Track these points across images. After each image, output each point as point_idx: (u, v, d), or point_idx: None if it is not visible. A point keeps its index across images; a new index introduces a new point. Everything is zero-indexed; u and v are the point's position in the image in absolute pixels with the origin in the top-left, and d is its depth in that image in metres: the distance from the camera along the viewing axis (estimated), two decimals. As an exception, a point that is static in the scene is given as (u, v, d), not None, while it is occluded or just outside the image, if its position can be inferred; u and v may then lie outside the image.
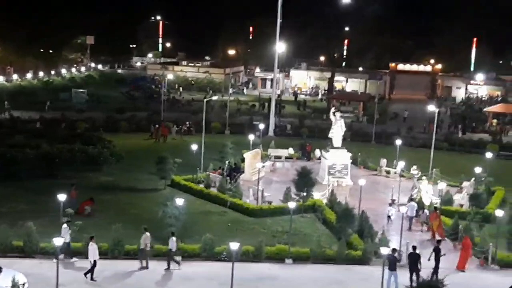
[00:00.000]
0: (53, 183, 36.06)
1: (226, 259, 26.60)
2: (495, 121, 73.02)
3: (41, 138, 45.68)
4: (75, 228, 27.57)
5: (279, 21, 61.77)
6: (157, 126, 56.59)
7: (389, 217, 34.17)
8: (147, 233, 26.32)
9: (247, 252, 27.41)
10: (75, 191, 32.94)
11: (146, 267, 26.06)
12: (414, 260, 25.33)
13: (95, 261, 24.74)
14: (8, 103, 65.09)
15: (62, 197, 26.16)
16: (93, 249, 24.94)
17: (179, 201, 27.68)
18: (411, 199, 35.55)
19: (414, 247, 25.93)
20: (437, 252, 26.62)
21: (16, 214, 31.55)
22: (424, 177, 40.45)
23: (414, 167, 42.71)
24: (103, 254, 26.33)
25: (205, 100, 46.79)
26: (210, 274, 25.96)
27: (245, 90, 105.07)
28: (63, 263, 25.25)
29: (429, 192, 38.05)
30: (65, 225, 26.70)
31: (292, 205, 28.66)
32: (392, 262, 25.10)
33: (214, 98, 65.87)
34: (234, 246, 21.41)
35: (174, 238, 26.27)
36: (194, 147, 41.26)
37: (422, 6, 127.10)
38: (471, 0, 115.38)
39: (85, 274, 24.65)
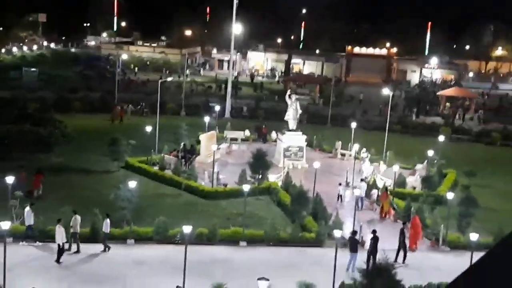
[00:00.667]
0: (2, 165, 34.90)
1: (179, 242, 26.31)
2: (448, 104, 74.21)
3: (-12, 118, 44.20)
4: (23, 210, 26.84)
5: (235, 1, 61.17)
6: (118, 107, 55.94)
7: (339, 196, 34.57)
8: (77, 216, 25.78)
9: (201, 235, 27.20)
10: (24, 172, 32.05)
11: (78, 251, 25.56)
12: (375, 244, 25.55)
13: (61, 244, 24.41)
14: None
15: (10, 179, 25.39)
16: (60, 232, 24.54)
17: (132, 184, 27.19)
18: (361, 180, 35.97)
19: (374, 231, 26.12)
20: (401, 233, 26.93)
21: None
22: (366, 159, 40.96)
23: (364, 149, 43.05)
24: (52, 238, 25.78)
25: (160, 81, 46.07)
26: (163, 257, 25.68)
27: (201, 71, 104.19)
28: (11, 246, 24.53)
29: (372, 173, 38.53)
30: (27, 208, 26.09)
31: (246, 187, 28.50)
32: (354, 244, 25.28)
33: (169, 79, 65.01)
34: (187, 229, 21.15)
35: (108, 221, 25.83)
36: (149, 128, 40.58)
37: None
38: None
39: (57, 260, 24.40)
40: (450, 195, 28.97)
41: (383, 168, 39.05)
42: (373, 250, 25.27)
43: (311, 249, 27.62)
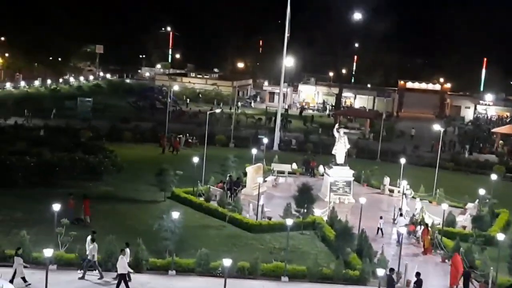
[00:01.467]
0: (52, 192, 35.61)
1: (221, 274, 26.09)
2: (501, 142, 72.31)
3: (43, 146, 45.35)
4: (69, 238, 27.23)
5: (286, 35, 61.62)
6: (178, 136, 57.22)
7: (379, 229, 34.34)
8: (95, 244, 25.83)
9: (243, 268, 26.95)
10: (72, 200, 32.57)
11: (83, 278, 25.37)
12: (419, 286, 24.82)
13: (122, 274, 24.47)
14: (28, 111, 65.38)
15: (56, 206, 25.72)
16: (123, 262, 24.68)
17: (175, 215, 27.22)
18: (400, 215, 35.47)
19: (418, 274, 25.35)
20: (466, 277, 26.18)
21: (11, 222, 31.21)
22: (405, 195, 40.14)
23: (407, 186, 42.15)
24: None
25: (208, 112, 46.52)
26: (204, 290, 25.51)
27: (252, 103, 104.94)
28: (53, 274, 24.85)
29: (408, 210, 37.85)
30: (90, 238, 26.30)
31: (289, 221, 28.13)
32: (390, 283, 24.64)
33: (217, 110, 65.66)
34: (227, 262, 20.99)
35: (95, 246, 25.75)
36: (196, 159, 40.81)
37: (432, 26, 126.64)
38: (482, 21, 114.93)
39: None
40: (500, 236, 27.94)
41: (419, 206, 37.89)
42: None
43: (354, 287, 26.97)
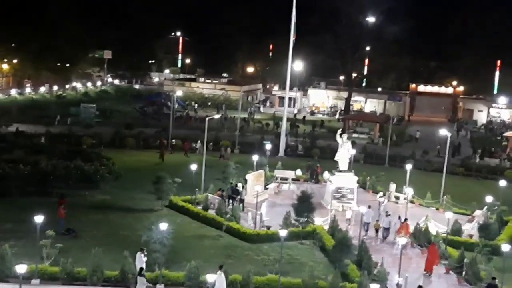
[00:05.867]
0: (46, 202, 34.72)
1: (210, 289, 24.96)
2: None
3: (41, 153, 44.45)
4: (55, 250, 26.25)
5: (292, 38, 60.46)
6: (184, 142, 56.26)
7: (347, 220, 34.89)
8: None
9: (235, 282, 25.79)
10: (63, 210, 31.60)
11: None
12: None
13: None
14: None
15: (39, 218, 24.77)
16: (220, 280, 23.74)
17: (163, 226, 26.13)
18: (368, 207, 34.95)
19: (420, 287, 24.11)
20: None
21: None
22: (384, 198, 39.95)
23: (381, 193, 41.36)
24: (82, 280, 25.02)
25: (207, 118, 45.44)
26: (193, 304, 24.41)
27: (261, 108, 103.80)
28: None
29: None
30: (139, 253, 25.36)
31: (283, 232, 26.83)
32: None
33: (216, 116, 64.54)
34: (210, 278, 19.87)
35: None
36: (194, 166, 39.70)
37: (445, 28, 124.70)
38: (495, 22, 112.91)
39: None
40: (505, 247, 26.55)
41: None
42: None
43: (352, 301, 25.75)
